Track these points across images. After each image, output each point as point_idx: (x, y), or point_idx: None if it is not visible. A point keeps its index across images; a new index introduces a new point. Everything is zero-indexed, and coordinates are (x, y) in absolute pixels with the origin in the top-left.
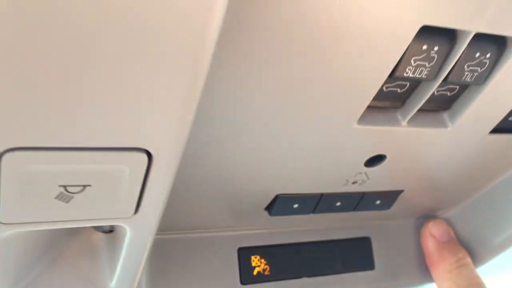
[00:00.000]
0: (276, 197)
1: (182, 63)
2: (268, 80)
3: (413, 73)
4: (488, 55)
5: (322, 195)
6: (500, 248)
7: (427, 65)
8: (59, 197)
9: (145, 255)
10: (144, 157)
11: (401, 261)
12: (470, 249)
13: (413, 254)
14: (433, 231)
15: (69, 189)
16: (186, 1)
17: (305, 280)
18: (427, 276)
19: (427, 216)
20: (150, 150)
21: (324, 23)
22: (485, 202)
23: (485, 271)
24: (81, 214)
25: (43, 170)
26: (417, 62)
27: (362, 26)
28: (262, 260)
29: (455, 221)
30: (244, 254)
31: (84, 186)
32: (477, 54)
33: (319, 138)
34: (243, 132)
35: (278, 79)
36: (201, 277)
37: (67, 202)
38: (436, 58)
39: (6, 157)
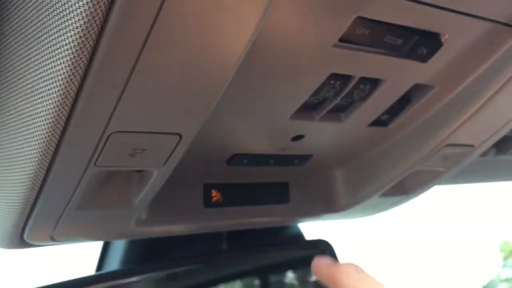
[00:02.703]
0: (235, 155)
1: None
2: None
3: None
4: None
5: (263, 155)
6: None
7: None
8: (130, 154)
9: (160, 186)
10: (177, 137)
11: (307, 199)
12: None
13: (313, 194)
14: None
15: (136, 151)
16: None
17: (245, 207)
18: (326, 209)
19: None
20: (181, 134)
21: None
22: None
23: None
24: (137, 164)
25: (126, 142)
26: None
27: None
28: (218, 193)
29: (339, 176)
30: (207, 188)
31: (143, 150)
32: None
33: (269, 124)
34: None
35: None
36: (178, 204)
37: (133, 157)
38: (338, 88)
39: (112, 136)
